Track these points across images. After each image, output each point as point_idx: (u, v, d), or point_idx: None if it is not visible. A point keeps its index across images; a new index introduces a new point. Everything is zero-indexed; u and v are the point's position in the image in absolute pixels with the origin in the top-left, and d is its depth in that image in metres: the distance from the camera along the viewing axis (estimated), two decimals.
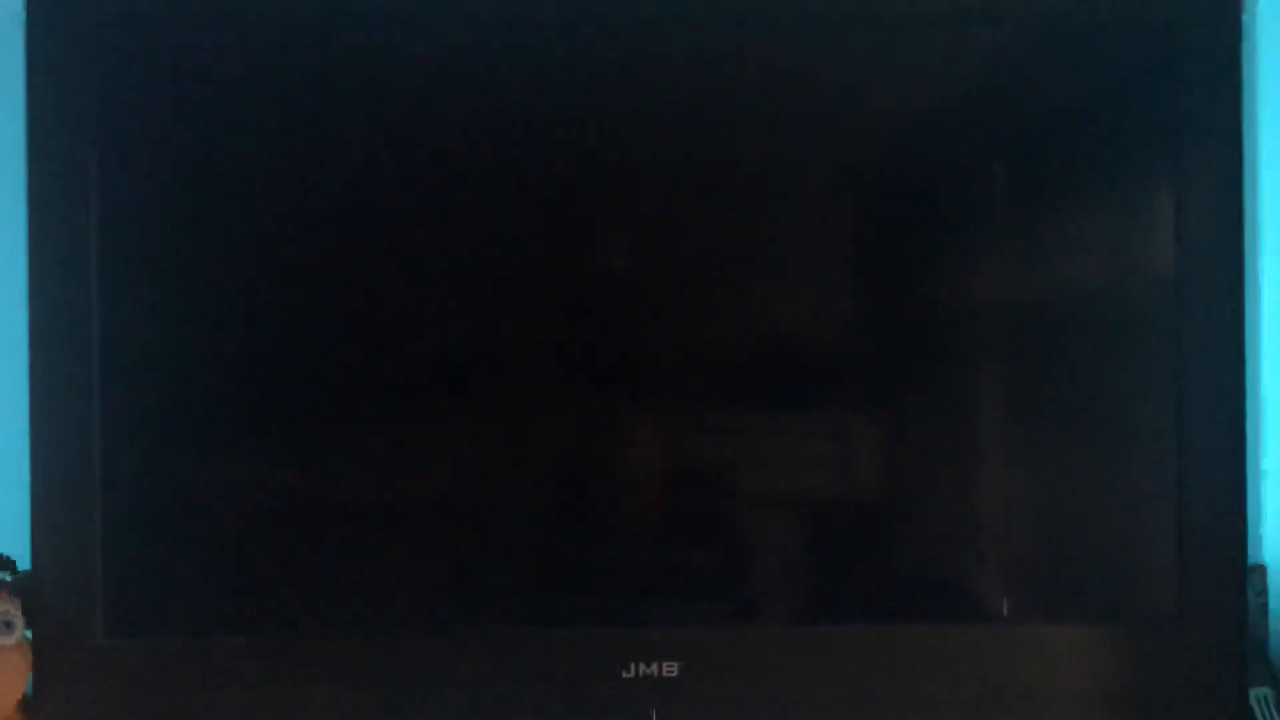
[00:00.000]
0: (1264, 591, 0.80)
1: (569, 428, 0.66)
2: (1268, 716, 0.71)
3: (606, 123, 0.66)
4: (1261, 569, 0.80)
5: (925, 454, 0.67)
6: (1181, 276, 0.66)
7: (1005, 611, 0.66)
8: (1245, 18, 0.67)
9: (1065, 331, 0.67)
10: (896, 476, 0.67)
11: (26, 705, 0.63)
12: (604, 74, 0.65)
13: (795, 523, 0.66)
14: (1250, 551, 0.82)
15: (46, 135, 0.64)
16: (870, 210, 0.67)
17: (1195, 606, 0.66)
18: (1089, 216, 0.67)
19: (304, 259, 0.65)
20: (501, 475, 0.66)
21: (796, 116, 0.66)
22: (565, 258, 0.66)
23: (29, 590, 0.63)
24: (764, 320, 0.67)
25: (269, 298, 0.65)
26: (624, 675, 0.64)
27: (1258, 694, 0.72)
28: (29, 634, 0.63)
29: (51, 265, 0.64)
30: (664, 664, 0.64)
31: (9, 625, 0.61)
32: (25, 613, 0.62)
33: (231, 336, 0.65)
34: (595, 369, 0.66)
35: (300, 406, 0.65)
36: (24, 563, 0.64)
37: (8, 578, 0.64)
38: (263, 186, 0.65)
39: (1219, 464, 0.66)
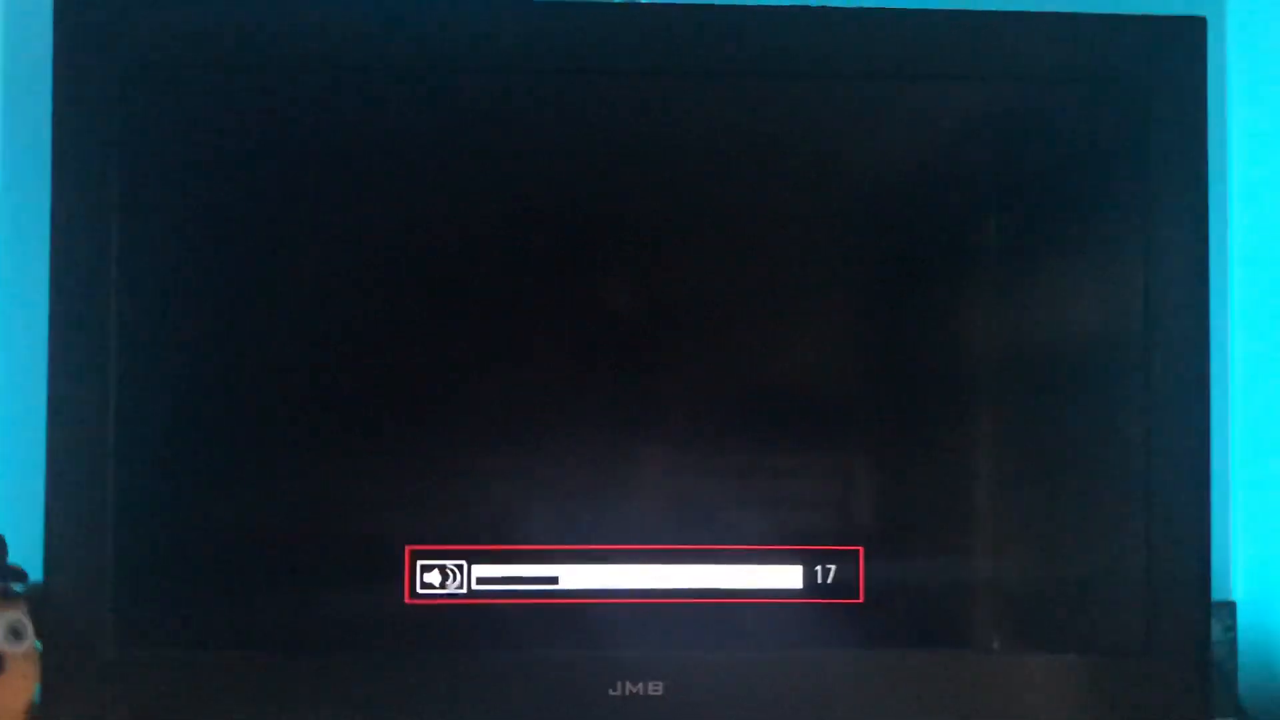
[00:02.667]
0: (1233, 627, 0.83)
1: (572, 458, 0.69)
2: None
3: (613, 171, 0.69)
4: (1231, 605, 0.83)
5: (908, 487, 0.70)
6: (1151, 326, 0.69)
7: (983, 641, 0.69)
8: (1219, 63, 0.71)
9: (1043, 378, 0.70)
10: (882, 510, 0.70)
11: (35, 713, 0.66)
12: (608, 123, 0.69)
13: (783, 554, 0.69)
14: (1220, 588, 0.85)
15: (69, 134, 0.66)
16: (856, 257, 0.71)
17: (1161, 639, 0.68)
18: (1063, 270, 0.70)
19: (321, 275, 0.68)
20: (503, 500, 0.68)
21: (793, 166, 0.70)
22: (572, 300, 0.69)
23: (40, 601, 0.66)
24: (760, 364, 0.70)
25: (286, 315, 0.68)
26: (611, 694, 0.67)
27: None
28: (39, 645, 0.66)
29: (71, 287, 0.67)
30: (650, 683, 0.67)
31: (18, 634, 0.64)
32: (36, 623, 0.65)
33: (245, 357, 0.68)
34: (596, 407, 0.69)
35: (310, 426, 0.68)
36: (36, 574, 0.67)
37: (20, 588, 0.66)
38: (281, 197, 0.68)
39: (1186, 505, 0.69)
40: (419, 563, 0.67)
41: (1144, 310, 0.70)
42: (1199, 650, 0.69)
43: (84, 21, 0.67)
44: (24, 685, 0.64)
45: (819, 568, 0.69)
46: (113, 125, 0.66)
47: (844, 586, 0.69)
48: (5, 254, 0.78)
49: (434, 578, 0.67)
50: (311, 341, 0.68)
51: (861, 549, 0.69)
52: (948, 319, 0.70)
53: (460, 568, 0.67)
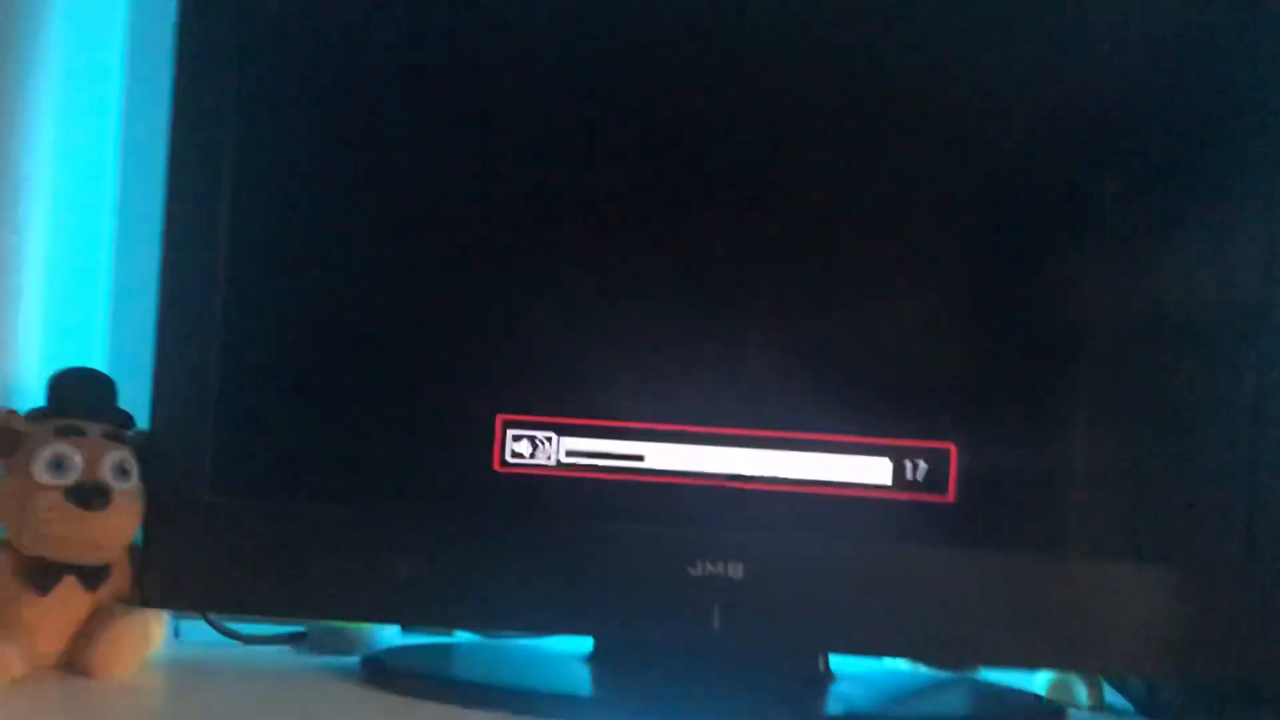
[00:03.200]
0: None
1: (663, 338, 0.69)
2: None
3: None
4: None
5: (1003, 387, 0.69)
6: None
7: (1076, 547, 0.67)
8: None
9: (1147, 293, 0.68)
10: (975, 409, 0.69)
11: (137, 552, 0.68)
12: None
13: (872, 447, 0.68)
14: None
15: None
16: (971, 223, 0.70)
17: (1263, 549, 0.66)
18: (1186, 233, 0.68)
19: (421, 155, 0.70)
20: (595, 376, 0.69)
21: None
22: (668, 181, 0.70)
23: (145, 446, 0.68)
24: (858, 255, 0.69)
25: (390, 189, 0.70)
26: (691, 573, 0.67)
27: None
28: (142, 487, 0.68)
29: (187, 142, 0.69)
30: (730, 564, 0.67)
31: (125, 471, 0.66)
32: (140, 467, 0.67)
33: (349, 226, 0.69)
34: (689, 289, 0.69)
35: (410, 295, 0.69)
36: (143, 422, 0.69)
37: (129, 433, 0.69)
38: (392, 98, 0.70)
39: None
40: (510, 432, 0.68)
41: (1258, 205, 0.67)
42: None
43: None
44: (128, 521, 0.66)
45: (908, 462, 0.68)
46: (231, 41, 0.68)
47: (934, 483, 0.68)
48: (129, 110, 0.80)
49: (523, 447, 0.68)
50: (413, 213, 0.69)
51: (954, 446, 0.68)
52: (1054, 228, 0.69)
53: (550, 439, 0.68)
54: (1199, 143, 0.68)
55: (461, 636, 0.81)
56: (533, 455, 0.68)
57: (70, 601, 0.65)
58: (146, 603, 0.68)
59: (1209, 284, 0.68)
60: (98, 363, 0.74)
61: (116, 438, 0.67)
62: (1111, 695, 0.75)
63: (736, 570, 0.67)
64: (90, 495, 0.63)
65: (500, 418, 0.68)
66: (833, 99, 0.69)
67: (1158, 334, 0.68)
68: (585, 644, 0.73)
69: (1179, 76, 0.69)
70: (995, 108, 0.69)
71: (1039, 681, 0.75)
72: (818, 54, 0.69)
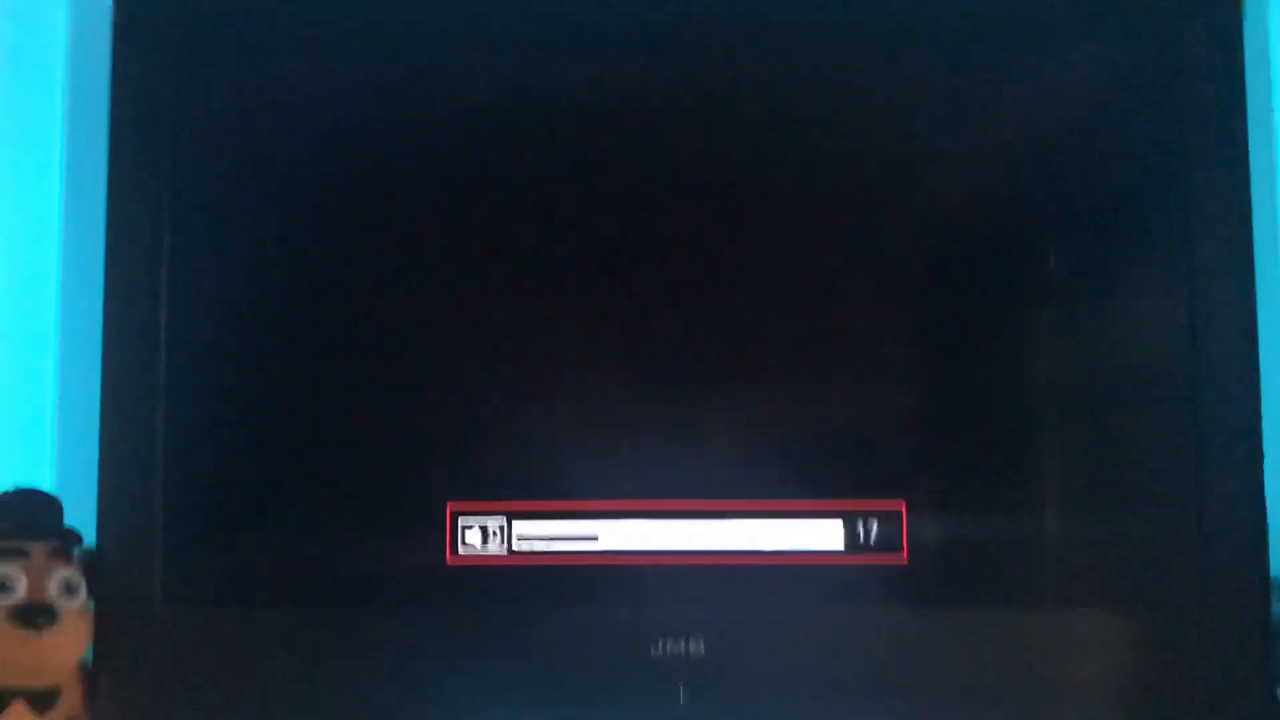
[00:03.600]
0: None
1: (612, 417, 0.69)
2: None
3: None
4: None
5: (952, 445, 0.70)
6: (1195, 295, 0.69)
7: (1029, 599, 0.68)
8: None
9: (1089, 338, 0.70)
10: (925, 468, 0.69)
11: (87, 671, 0.67)
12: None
13: (824, 511, 0.68)
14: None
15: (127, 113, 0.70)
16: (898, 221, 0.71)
17: (1216, 597, 0.67)
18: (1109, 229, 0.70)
19: (362, 238, 0.70)
20: (544, 459, 0.69)
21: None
22: (612, 262, 0.71)
23: (93, 562, 0.67)
24: (801, 323, 0.70)
25: (328, 280, 0.70)
26: (653, 653, 0.66)
27: None
28: (91, 606, 0.67)
29: (125, 265, 0.69)
30: (691, 642, 0.66)
31: (72, 589, 0.65)
32: (89, 583, 0.66)
33: (287, 326, 0.70)
34: (635, 368, 0.70)
35: (352, 390, 0.69)
36: (90, 539, 0.68)
37: (76, 551, 0.68)
38: (321, 169, 0.71)
39: (1238, 460, 0.68)
40: (460, 521, 0.68)
41: (1187, 264, 0.69)
42: (1256, 608, 0.66)
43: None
44: (76, 639, 0.65)
45: (860, 524, 0.68)
46: (166, 98, 0.70)
47: (887, 543, 0.68)
48: (66, 230, 0.81)
49: (474, 537, 0.68)
50: (355, 304, 0.70)
51: (903, 504, 0.68)
52: (995, 295, 0.70)
53: (501, 526, 0.68)
54: (1128, 216, 0.70)
55: None
56: (485, 545, 0.68)
57: None
58: None
59: (1144, 345, 0.70)
60: (45, 483, 0.73)
61: (62, 556, 0.66)
62: None
63: (698, 647, 0.67)
64: (34, 614, 0.62)
65: (450, 506, 0.68)
66: (780, 176, 0.71)
67: (1099, 392, 0.70)
68: None
69: (1107, 157, 0.71)
70: (937, 185, 0.71)
71: None
72: (764, 134, 0.71)
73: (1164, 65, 0.70)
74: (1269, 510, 0.81)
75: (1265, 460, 0.81)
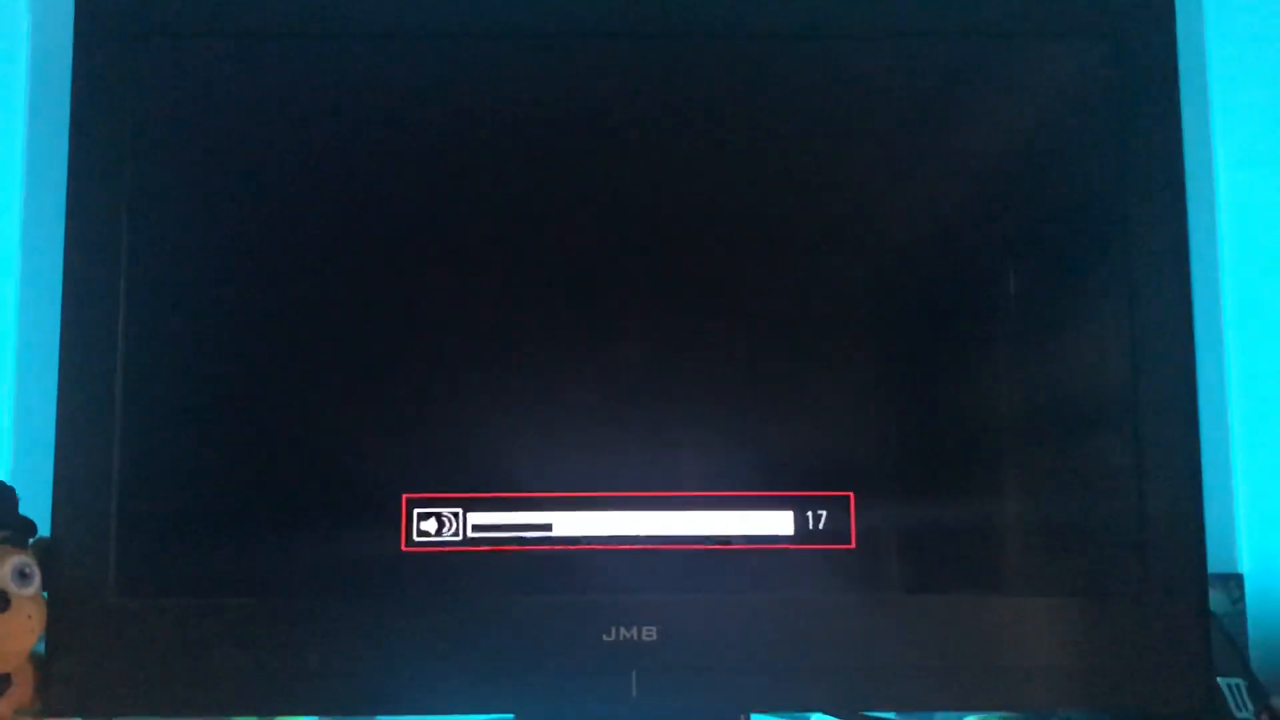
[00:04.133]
0: (1241, 599, 0.82)
1: (564, 407, 0.70)
2: (1240, 703, 0.73)
3: (599, 135, 0.72)
4: (1238, 577, 0.83)
5: (900, 433, 0.71)
6: (1135, 292, 0.71)
7: (975, 586, 0.69)
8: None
9: (1032, 324, 0.72)
10: (872, 456, 0.71)
11: (39, 660, 0.67)
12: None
13: (774, 500, 0.70)
14: (1226, 561, 0.84)
15: (87, 109, 0.71)
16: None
17: (1156, 581, 0.68)
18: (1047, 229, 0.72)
19: (319, 231, 0.71)
20: (497, 449, 0.70)
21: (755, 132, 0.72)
22: (564, 253, 0.72)
23: (48, 552, 0.67)
24: (752, 311, 0.72)
25: (284, 271, 0.71)
26: (605, 640, 0.67)
27: (1230, 682, 0.74)
28: (45, 595, 0.67)
29: (82, 253, 0.70)
30: (644, 628, 0.67)
31: (25, 576, 0.65)
32: (43, 573, 0.66)
33: (242, 315, 0.70)
34: (587, 357, 0.71)
35: (306, 381, 0.70)
36: (44, 530, 0.68)
37: (31, 540, 0.68)
38: (284, 165, 0.72)
39: (1176, 444, 0.69)
40: (415, 511, 0.69)
41: (1126, 255, 0.71)
42: (1195, 591, 0.68)
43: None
44: (28, 627, 0.65)
45: (810, 513, 0.69)
46: (128, 92, 0.70)
47: (835, 533, 0.69)
48: (26, 224, 0.81)
49: (430, 525, 0.69)
50: (311, 298, 0.71)
51: (852, 494, 0.69)
52: (943, 304, 0.72)
53: (456, 515, 0.69)
54: (1067, 239, 0.72)
55: None
56: (439, 532, 0.69)
57: None
58: (51, 711, 0.66)
59: (1087, 349, 0.71)
60: (0, 473, 0.73)
61: (16, 544, 0.67)
62: None
63: (650, 633, 0.67)
64: None
65: (405, 496, 0.69)
66: (728, 190, 0.72)
67: (1044, 391, 0.71)
68: None
69: (1048, 185, 0.73)
70: (885, 205, 0.72)
71: None
72: (716, 158, 0.72)
73: (1099, 97, 0.72)
74: (1235, 509, 0.84)
75: (1231, 464, 0.84)
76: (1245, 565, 0.85)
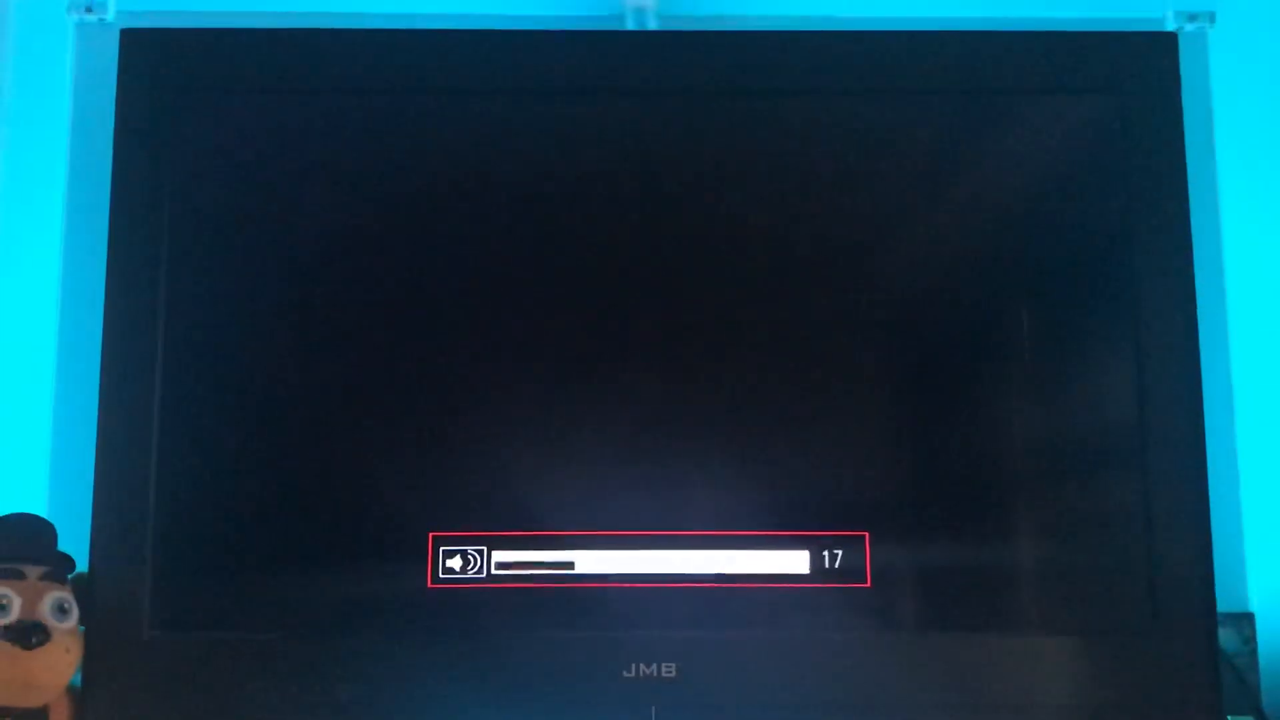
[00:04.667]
0: (1252, 638, 0.83)
1: (587, 448, 0.72)
2: None
3: (617, 184, 0.75)
4: (1249, 616, 0.84)
5: (914, 474, 0.73)
6: (1140, 335, 0.73)
7: (990, 623, 0.70)
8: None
9: (1042, 372, 0.73)
10: (888, 497, 0.72)
11: (76, 693, 0.69)
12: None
13: (790, 540, 0.71)
14: (1237, 600, 0.85)
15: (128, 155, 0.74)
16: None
17: (1166, 619, 0.69)
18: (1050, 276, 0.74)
19: (352, 275, 0.74)
20: (522, 489, 0.72)
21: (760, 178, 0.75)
22: (589, 297, 0.74)
23: (85, 588, 0.69)
24: (768, 355, 0.74)
25: (318, 316, 0.73)
26: (625, 675, 0.69)
27: None
28: (82, 629, 0.69)
29: (123, 297, 0.73)
30: (663, 665, 0.69)
31: (65, 610, 0.67)
32: (81, 608, 0.68)
33: (282, 366, 0.73)
34: (610, 399, 0.73)
35: (336, 422, 0.72)
36: (82, 565, 0.71)
37: (70, 576, 0.70)
38: (318, 207, 0.74)
39: (1185, 484, 0.71)
40: (441, 548, 0.70)
41: (1133, 306, 0.73)
42: (1204, 630, 0.69)
43: (144, 56, 0.74)
44: (67, 660, 0.67)
45: (825, 553, 0.71)
46: (166, 146, 0.73)
47: (850, 571, 0.71)
48: (66, 266, 0.84)
49: (455, 563, 0.70)
50: (344, 341, 0.73)
51: (867, 534, 0.71)
52: (958, 349, 0.74)
53: (480, 553, 0.71)
54: (1077, 285, 0.74)
55: None
56: (464, 570, 0.70)
57: None
58: None
59: (1096, 390, 0.73)
60: (40, 509, 0.76)
61: (56, 579, 0.69)
62: None
63: (670, 670, 0.69)
64: (28, 633, 0.64)
65: (432, 534, 0.71)
66: (747, 238, 0.74)
67: (1054, 432, 0.73)
68: None
69: (1058, 234, 0.74)
70: (898, 252, 0.74)
71: None
72: (738, 208, 0.75)
73: (1106, 149, 0.74)
74: (1245, 548, 0.85)
75: (1241, 504, 0.85)
76: (1256, 604, 0.85)
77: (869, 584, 0.70)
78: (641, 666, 0.69)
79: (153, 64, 0.74)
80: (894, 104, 0.74)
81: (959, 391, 0.73)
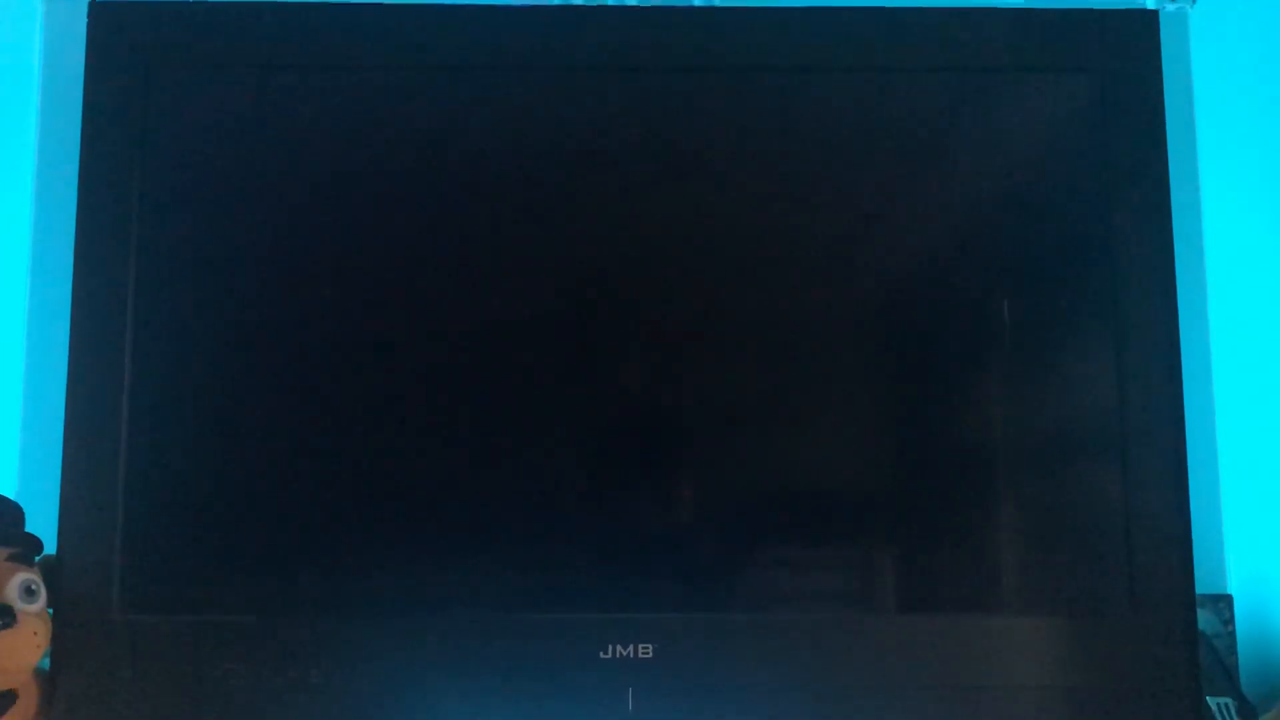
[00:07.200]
0: (1231, 620, 0.83)
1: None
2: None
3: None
4: (1228, 598, 0.84)
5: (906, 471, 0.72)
6: (1122, 322, 0.72)
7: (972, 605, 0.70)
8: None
9: (1018, 367, 0.73)
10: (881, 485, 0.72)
11: (44, 676, 0.68)
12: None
13: (769, 518, 0.71)
14: (1216, 581, 0.85)
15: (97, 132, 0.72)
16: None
17: (1144, 600, 0.69)
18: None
19: (312, 285, 0.73)
20: (499, 479, 0.71)
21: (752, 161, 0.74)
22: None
23: (54, 569, 0.68)
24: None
25: (287, 315, 0.73)
26: (602, 656, 0.68)
27: (1220, 701, 0.75)
28: (51, 611, 0.68)
29: (92, 280, 0.71)
30: (640, 646, 0.68)
31: (32, 592, 0.66)
32: (49, 590, 0.67)
33: (251, 348, 0.72)
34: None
35: (303, 405, 0.72)
36: (51, 546, 0.70)
37: (38, 558, 0.69)
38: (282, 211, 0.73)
39: (1163, 464, 0.71)
40: None
41: (1114, 296, 0.73)
42: (1183, 611, 0.69)
43: (114, 30, 0.73)
44: (34, 642, 0.66)
45: (805, 535, 0.70)
46: (136, 122, 0.72)
47: (831, 554, 0.70)
48: (35, 248, 0.83)
49: None
50: (310, 319, 0.72)
51: (848, 519, 0.71)
52: (942, 351, 0.74)
53: None
54: (1056, 268, 0.74)
55: None
56: None
57: None
58: None
59: (1077, 383, 0.73)
60: (8, 490, 0.74)
61: (23, 560, 0.67)
62: None
63: (646, 650, 0.68)
64: None
65: None
66: (717, 214, 0.74)
67: (1038, 424, 0.73)
68: None
69: (1038, 217, 0.74)
70: (875, 238, 0.74)
71: None
72: (721, 208, 0.74)
73: (1086, 130, 0.74)
74: (1224, 530, 0.85)
75: (1219, 486, 0.85)
76: (1234, 586, 0.85)
77: (850, 566, 0.70)
78: (618, 648, 0.68)
79: (123, 39, 0.73)
80: (871, 82, 0.74)
81: (939, 375, 0.73)
